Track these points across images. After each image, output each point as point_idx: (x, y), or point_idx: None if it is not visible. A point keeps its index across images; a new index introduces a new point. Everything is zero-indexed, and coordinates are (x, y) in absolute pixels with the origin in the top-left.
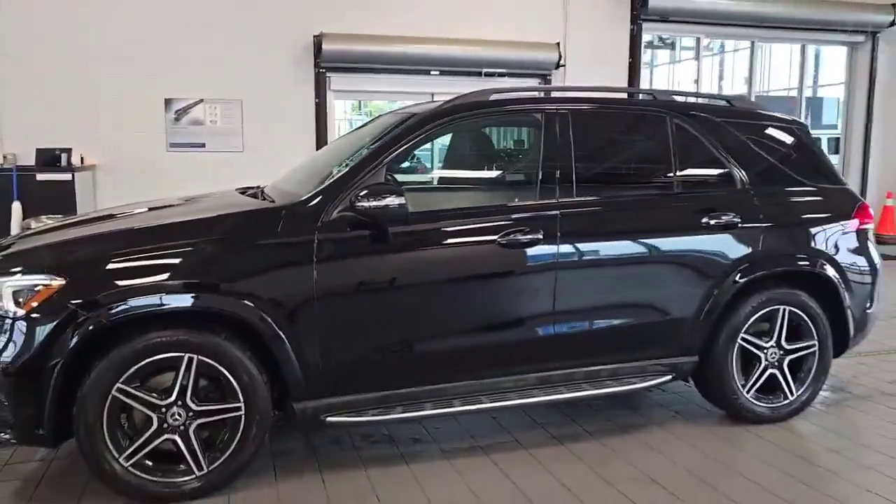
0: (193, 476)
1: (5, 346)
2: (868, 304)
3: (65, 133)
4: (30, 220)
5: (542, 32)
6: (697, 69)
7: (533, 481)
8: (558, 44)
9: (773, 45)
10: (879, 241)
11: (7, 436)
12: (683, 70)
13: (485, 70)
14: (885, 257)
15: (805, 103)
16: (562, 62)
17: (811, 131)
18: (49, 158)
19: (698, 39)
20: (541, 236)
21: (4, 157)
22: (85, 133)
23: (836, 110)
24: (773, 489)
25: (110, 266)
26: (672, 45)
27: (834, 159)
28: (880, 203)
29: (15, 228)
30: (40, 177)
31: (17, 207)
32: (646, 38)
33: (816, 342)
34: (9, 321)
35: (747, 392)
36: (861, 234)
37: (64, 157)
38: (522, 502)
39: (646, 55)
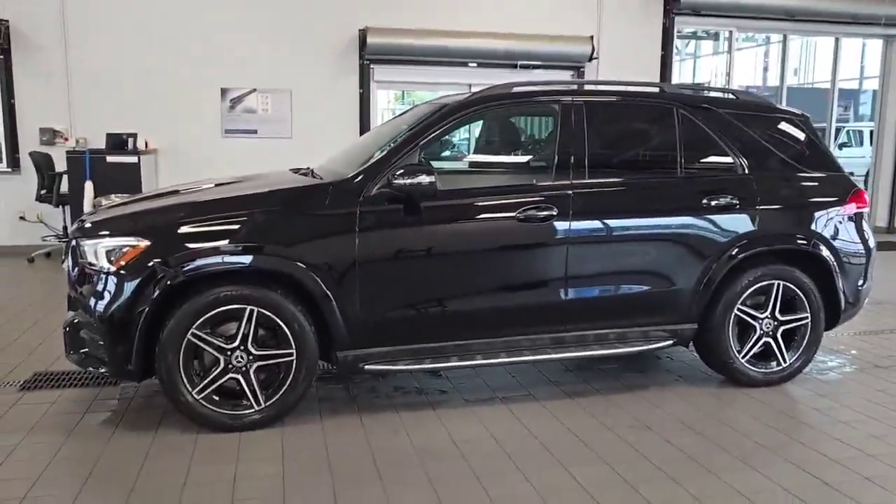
0: (253, 410)
1: (101, 297)
2: (861, 282)
3: (130, 120)
4: (100, 198)
5: (576, 26)
6: (729, 62)
7: (542, 425)
8: (592, 37)
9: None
10: None
11: (102, 370)
12: (725, 61)
13: (520, 62)
14: None
15: (838, 95)
16: (595, 55)
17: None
18: (117, 142)
19: (731, 33)
20: (555, 213)
21: (77, 141)
22: (148, 120)
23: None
24: (752, 435)
25: (185, 231)
26: (716, 36)
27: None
28: None
29: (87, 205)
30: (110, 159)
31: (89, 186)
32: (689, 29)
33: (809, 314)
34: (103, 276)
35: (743, 358)
36: (856, 217)
37: (130, 141)
38: (530, 440)
39: (689, 46)
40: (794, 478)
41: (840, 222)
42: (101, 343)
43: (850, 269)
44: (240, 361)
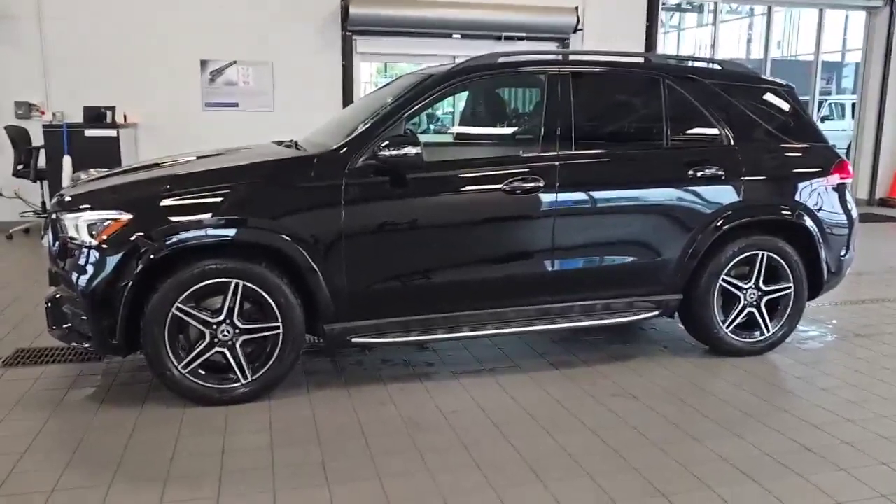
0: (240, 384)
1: (83, 271)
2: (843, 252)
3: (108, 93)
4: (79, 172)
5: None
6: (714, 33)
7: (528, 395)
8: (577, 8)
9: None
10: (891, 204)
11: (86, 345)
12: (710, 33)
13: (504, 34)
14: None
15: (822, 67)
16: (580, 26)
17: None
18: (95, 116)
19: (716, 4)
20: (542, 184)
21: (54, 115)
22: (127, 92)
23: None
24: (735, 403)
25: (168, 204)
26: (700, 9)
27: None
28: (893, 167)
29: (66, 180)
30: (88, 133)
31: (67, 161)
32: (674, 1)
33: (792, 284)
34: (84, 250)
35: (727, 328)
36: (839, 188)
37: (109, 114)
38: (516, 410)
39: (674, 19)
40: (776, 443)
41: (823, 193)
42: (85, 318)
43: (833, 239)
44: (226, 335)
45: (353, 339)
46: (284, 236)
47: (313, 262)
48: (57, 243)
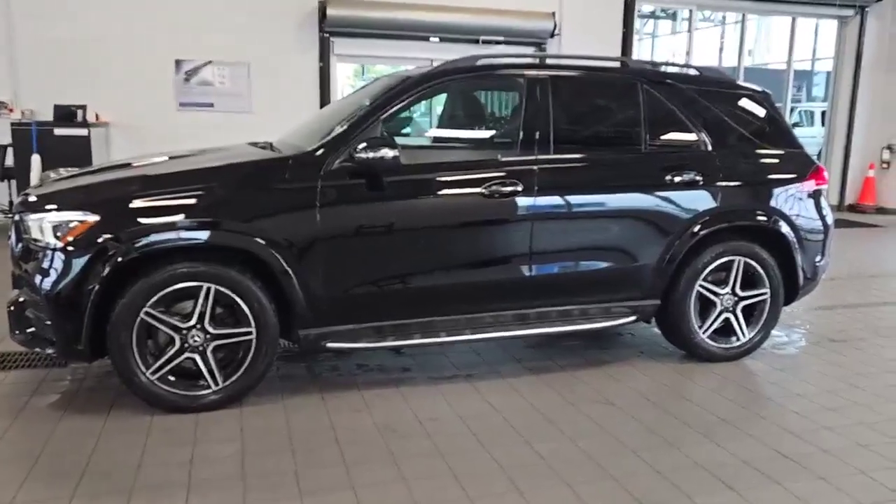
0: (211, 390)
1: (47, 274)
2: (819, 258)
3: (80, 91)
4: (49, 171)
5: (538, 1)
6: (689, 41)
7: (506, 402)
8: (553, 13)
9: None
10: (861, 210)
11: (50, 350)
12: (683, 41)
13: (482, 37)
14: (866, 225)
15: (794, 76)
16: (556, 31)
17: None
18: (66, 114)
19: (691, 12)
20: (520, 188)
21: (23, 113)
22: (99, 91)
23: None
24: (713, 409)
25: (137, 205)
26: (674, 16)
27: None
28: (863, 174)
29: (35, 179)
30: (58, 132)
31: (36, 160)
32: (648, 8)
33: (768, 290)
34: (49, 252)
35: (703, 333)
36: (815, 194)
37: (80, 113)
38: (494, 417)
39: (647, 26)
40: (752, 450)
41: (800, 199)
42: (49, 322)
43: (809, 245)
44: (196, 340)
45: (329, 345)
46: (258, 239)
47: (288, 266)
48: (20, 245)
